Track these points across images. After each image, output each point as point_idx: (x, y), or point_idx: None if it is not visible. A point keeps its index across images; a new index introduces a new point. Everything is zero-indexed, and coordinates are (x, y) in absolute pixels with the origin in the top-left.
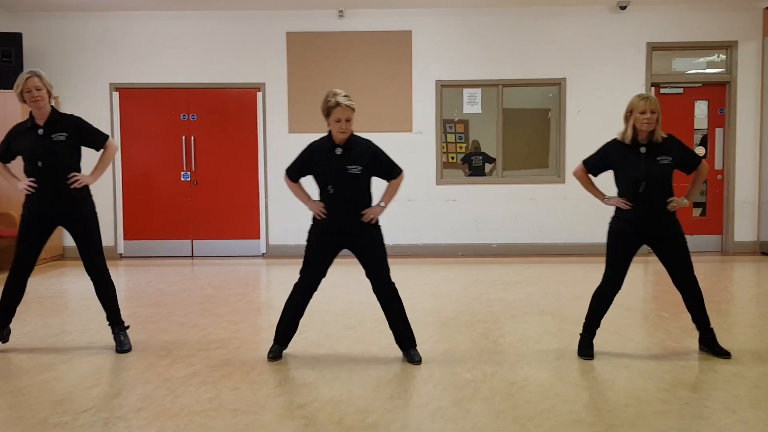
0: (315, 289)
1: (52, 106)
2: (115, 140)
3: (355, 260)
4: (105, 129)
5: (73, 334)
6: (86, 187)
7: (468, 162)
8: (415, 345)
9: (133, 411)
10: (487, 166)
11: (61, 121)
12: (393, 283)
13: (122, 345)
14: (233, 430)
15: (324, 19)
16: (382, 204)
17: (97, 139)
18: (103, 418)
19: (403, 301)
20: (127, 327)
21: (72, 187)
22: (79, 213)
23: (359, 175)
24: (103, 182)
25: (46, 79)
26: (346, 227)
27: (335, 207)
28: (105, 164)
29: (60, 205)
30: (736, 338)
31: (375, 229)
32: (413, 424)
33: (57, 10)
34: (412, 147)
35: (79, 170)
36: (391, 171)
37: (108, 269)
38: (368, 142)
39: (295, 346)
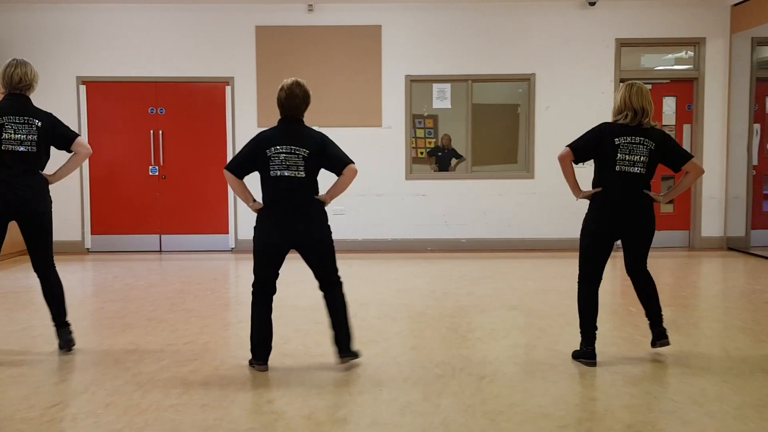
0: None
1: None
2: (83, 134)
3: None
4: (72, 123)
5: (39, 329)
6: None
7: (434, 155)
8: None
9: (101, 406)
10: (453, 161)
11: None
12: None
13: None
14: (202, 425)
15: (293, 12)
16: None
17: None
18: (71, 413)
19: (368, 296)
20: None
21: None
22: None
23: None
24: (71, 176)
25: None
26: None
27: None
28: None
29: None
30: (703, 333)
31: None
32: (383, 418)
33: (23, 1)
34: (381, 142)
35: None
36: None
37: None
38: None
39: None
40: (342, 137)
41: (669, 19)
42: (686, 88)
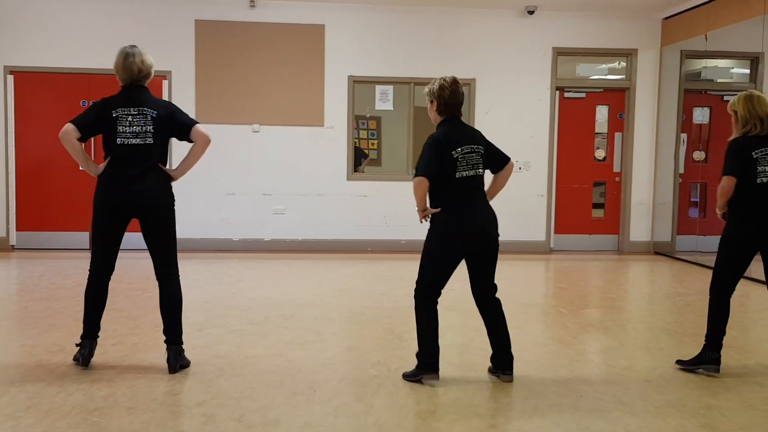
0: None
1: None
2: (9, 127)
3: (252, 253)
4: None
5: None
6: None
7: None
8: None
9: (21, 409)
10: (362, 161)
11: None
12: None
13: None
14: (128, 429)
15: (234, 8)
16: None
17: None
18: None
19: (306, 297)
20: None
21: None
22: None
23: None
24: None
25: None
26: None
27: None
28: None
29: None
30: (629, 334)
31: None
32: (316, 419)
33: None
34: (323, 142)
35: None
36: None
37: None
38: None
39: (196, 342)
40: (283, 136)
41: (604, 30)
42: (618, 98)
